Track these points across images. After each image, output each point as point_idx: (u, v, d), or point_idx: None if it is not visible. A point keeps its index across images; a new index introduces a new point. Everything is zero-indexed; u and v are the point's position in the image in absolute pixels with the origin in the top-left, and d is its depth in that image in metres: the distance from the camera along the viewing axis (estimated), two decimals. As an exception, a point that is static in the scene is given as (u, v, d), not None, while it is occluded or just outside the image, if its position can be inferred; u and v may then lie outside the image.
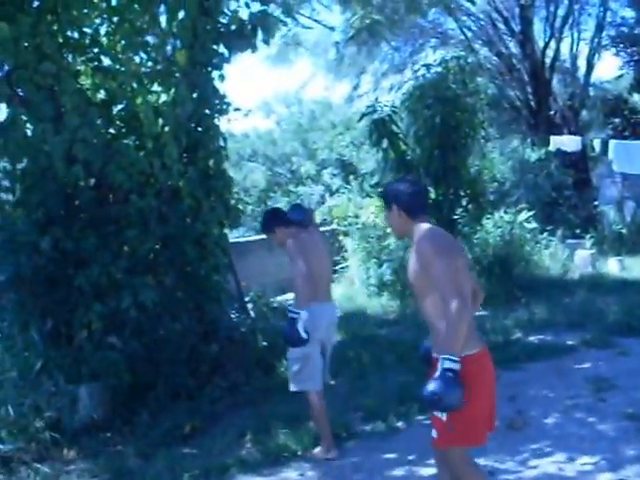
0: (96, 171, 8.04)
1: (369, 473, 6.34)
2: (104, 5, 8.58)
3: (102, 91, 8.53)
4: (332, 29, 16.11)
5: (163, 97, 8.60)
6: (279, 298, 12.30)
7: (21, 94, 7.82)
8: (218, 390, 8.29)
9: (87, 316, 7.66)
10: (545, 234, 16.82)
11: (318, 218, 19.43)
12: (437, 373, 4.11)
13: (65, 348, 7.81)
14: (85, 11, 8.36)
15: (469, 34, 23.35)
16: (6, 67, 7.76)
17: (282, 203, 26.01)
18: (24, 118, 7.77)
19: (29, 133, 7.87)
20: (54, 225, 7.86)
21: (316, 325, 6.58)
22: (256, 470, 6.57)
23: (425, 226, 4.50)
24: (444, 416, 4.22)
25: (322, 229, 18.48)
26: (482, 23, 23.56)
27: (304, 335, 6.39)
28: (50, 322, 7.88)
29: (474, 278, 4.71)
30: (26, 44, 7.52)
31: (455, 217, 14.26)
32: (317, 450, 6.79)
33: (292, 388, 6.80)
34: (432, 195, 14.05)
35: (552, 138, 20.05)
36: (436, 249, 4.30)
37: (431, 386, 4.09)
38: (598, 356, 9.46)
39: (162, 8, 8.52)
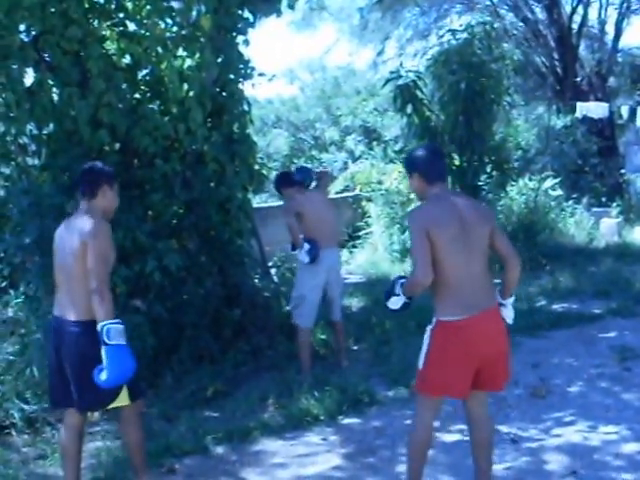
0: (121, 135, 8.06)
1: (391, 438, 6.37)
2: (129, -30, 8.54)
3: (127, 56, 8.50)
4: (357, -6, 15.96)
5: (188, 62, 8.56)
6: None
7: (47, 59, 7.84)
8: (241, 354, 8.36)
9: (112, 279, 7.67)
10: (570, 202, 16.74)
11: (341, 184, 19.53)
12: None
13: (90, 311, 7.84)
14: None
15: (495, -1, 23.06)
16: (33, 32, 7.78)
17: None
18: (50, 83, 7.80)
19: (55, 98, 7.89)
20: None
21: (314, 271, 7.88)
22: (279, 434, 6.62)
23: (430, 193, 4.75)
24: (420, 365, 4.86)
25: (345, 195, 18.64)
26: (508, -12, 23.27)
27: (307, 259, 7.80)
28: (75, 285, 7.91)
29: (504, 243, 4.73)
30: (52, 9, 7.50)
31: (479, 183, 14.23)
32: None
33: (293, 320, 8.14)
34: (456, 161, 14.01)
35: (578, 105, 19.82)
36: (413, 220, 4.68)
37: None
38: (624, 325, 9.45)
39: (187, -27, 8.46)
